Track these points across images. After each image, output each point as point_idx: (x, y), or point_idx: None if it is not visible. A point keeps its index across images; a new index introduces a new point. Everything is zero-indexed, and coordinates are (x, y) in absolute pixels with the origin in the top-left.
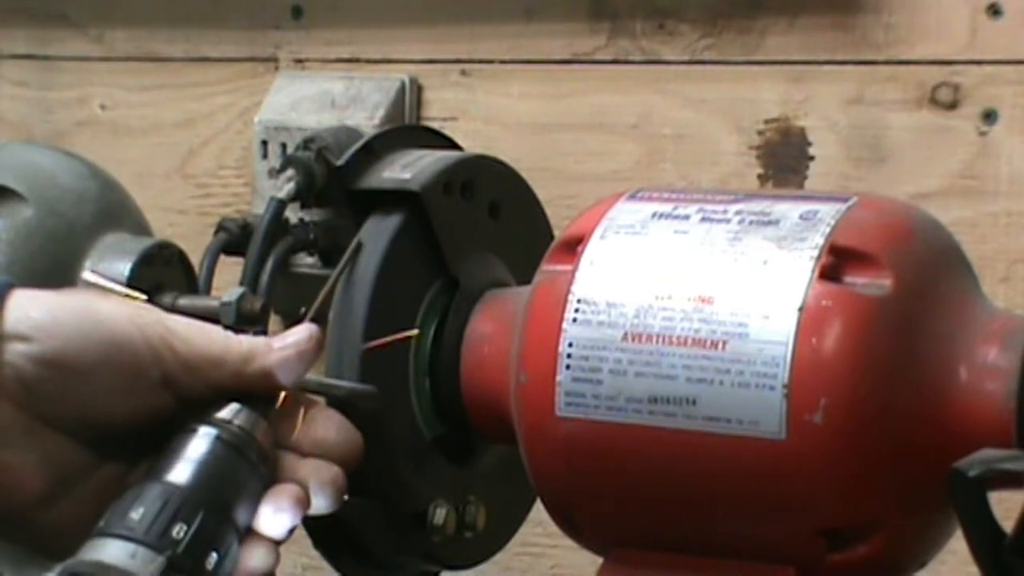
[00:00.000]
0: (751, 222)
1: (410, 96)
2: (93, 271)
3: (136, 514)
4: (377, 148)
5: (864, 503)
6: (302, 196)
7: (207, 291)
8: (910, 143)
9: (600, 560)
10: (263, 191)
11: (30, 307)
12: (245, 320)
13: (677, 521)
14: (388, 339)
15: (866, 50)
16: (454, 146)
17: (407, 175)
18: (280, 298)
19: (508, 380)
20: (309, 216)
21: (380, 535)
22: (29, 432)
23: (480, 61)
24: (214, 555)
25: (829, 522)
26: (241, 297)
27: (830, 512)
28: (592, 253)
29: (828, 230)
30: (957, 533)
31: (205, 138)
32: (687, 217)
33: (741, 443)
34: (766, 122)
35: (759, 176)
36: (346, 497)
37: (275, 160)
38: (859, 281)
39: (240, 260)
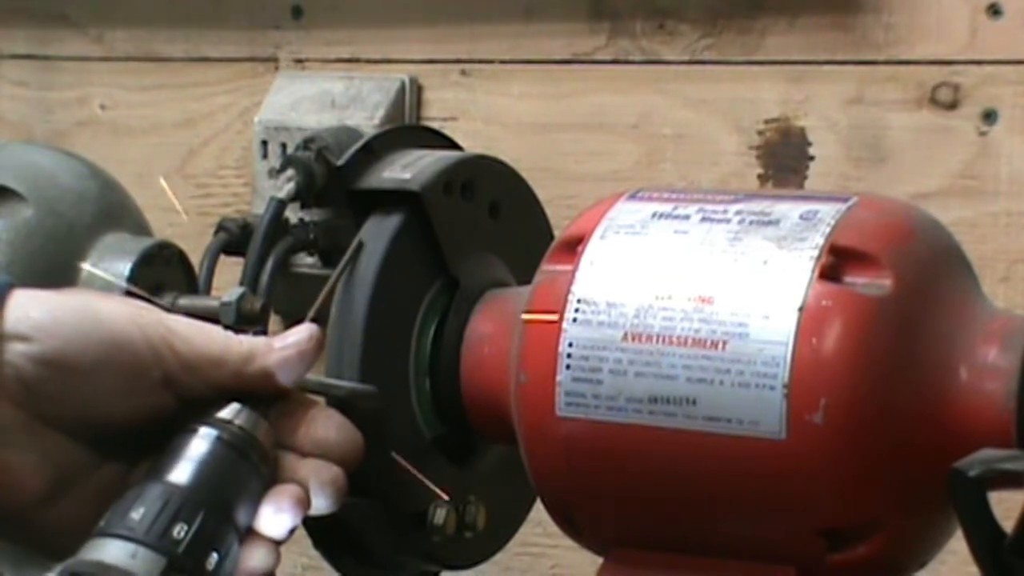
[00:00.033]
0: (751, 222)
1: (410, 96)
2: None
3: (137, 514)
4: (377, 148)
5: (864, 503)
6: (302, 196)
7: (207, 291)
8: (910, 143)
9: (600, 560)
10: (263, 191)
11: (30, 307)
12: (245, 320)
13: (677, 521)
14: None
15: (866, 50)
16: (454, 146)
17: (407, 175)
18: (280, 298)
19: (508, 380)
20: (309, 216)
21: (380, 535)
22: (29, 432)
23: (480, 61)
24: (215, 555)
25: (829, 522)
26: (241, 297)
27: (830, 512)
28: (592, 253)
29: (828, 230)
30: (957, 533)
31: (205, 138)
32: (687, 217)
33: (741, 443)
34: (766, 122)
35: (759, 176)
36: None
37: (275, 160)
38: (859, 281)
39: (240, 260)
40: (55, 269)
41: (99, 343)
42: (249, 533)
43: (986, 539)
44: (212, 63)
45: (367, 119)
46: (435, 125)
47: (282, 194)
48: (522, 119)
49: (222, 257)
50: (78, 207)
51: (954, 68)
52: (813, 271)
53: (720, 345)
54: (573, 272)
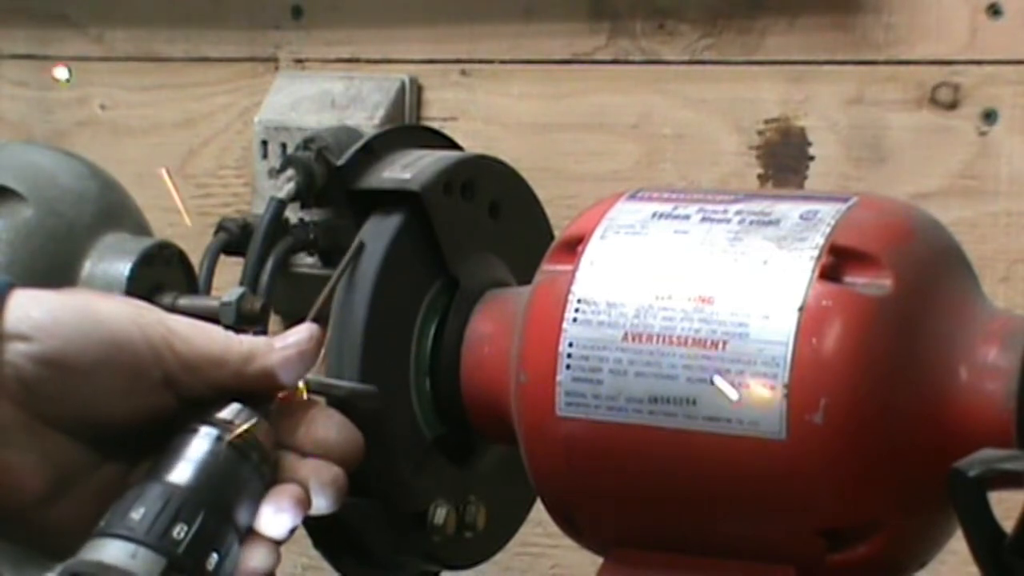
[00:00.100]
0: (751, 222)
1: (410, 96)
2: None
3: (137, 514)
4: (377, 148)
5: (864, 503)
6: (302, 196)
7: (207, 291)
8: (910, 143)
9: (600, 560)
10: (263, 191)
11: (31, 307)
12: (245, 320)
13: (677, 521)
14: None
15: (866, 50)
16: (454, 146)
17: (407, 175)
18: (280, 298)
19: (508, 380)
20: (309, 216)
21: (380, 535)
22: (29, 432)
23: (480, 61)
24: (215, 555)
25: (829, 522)
26: (241, 297)
27: (830, 512)
28: (592, 253)
29: (828, 230)
30: (957, 533)
31: (205, 138)
32: (687, 217)
33: (741, 443)
34: (766, 122)
35: (759, 176)
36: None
37: (275, 160)
38: (859, 281)
39: (240, 260)
40: (55, 269)
41: (99, 343)
42: (249, 533)
43: (986, 539)
44: (212, 63)
45: (367, 119)
46: (435, 125)
47: (282, 194)
48: (522, 119)
49: (222, 257)
50: (78, 207)
51: (954, 68)
52: (813, 271)
53: (720, 345)
54: (573, 272)
